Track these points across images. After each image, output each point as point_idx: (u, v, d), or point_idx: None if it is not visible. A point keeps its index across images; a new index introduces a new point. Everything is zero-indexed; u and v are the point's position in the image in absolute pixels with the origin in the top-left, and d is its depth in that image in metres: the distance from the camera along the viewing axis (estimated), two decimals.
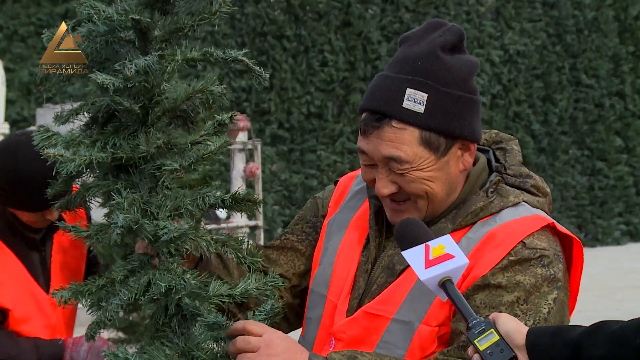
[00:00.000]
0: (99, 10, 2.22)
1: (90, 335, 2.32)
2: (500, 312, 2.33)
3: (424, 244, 2.24)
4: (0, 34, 14.77)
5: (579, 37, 21.18)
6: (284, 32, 17.63)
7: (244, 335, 2.33)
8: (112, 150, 2.24)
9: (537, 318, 2.38)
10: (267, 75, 2.32)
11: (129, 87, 2.21)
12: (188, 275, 2.27)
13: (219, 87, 2.27)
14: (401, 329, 2.44)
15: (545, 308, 2.39)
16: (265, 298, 2.36)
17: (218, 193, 2.30)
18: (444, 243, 2.24)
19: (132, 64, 2.18)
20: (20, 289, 3.83)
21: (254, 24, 17.35)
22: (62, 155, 2.20)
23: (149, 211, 2.25)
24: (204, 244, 2.31)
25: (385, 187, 2.47)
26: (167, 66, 2.25)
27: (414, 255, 2.23)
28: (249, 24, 17.33)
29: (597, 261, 17.36)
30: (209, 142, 2.30)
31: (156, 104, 2.27)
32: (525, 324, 2.32)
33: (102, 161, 2.23)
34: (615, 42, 21.68)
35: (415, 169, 2.45)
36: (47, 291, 3.86)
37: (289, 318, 2.71)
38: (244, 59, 2.30)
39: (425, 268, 2.21)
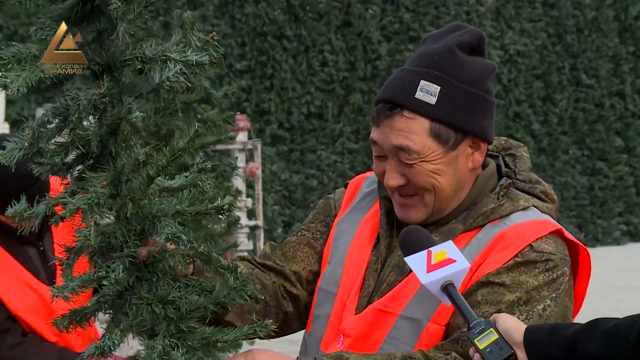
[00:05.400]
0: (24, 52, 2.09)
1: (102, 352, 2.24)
2: (500, 309, 2.38)
3: (426, 250, 2.28)
4: (0, 34, 14.78)
5: (579, 37, 21.19)
6: (284, 32, 17.64)
7: None
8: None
9: (533, 315, 2.41)
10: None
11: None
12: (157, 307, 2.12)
13: (139, 114, 2.08)
14: (409, 326, 2.45)
15: (541, 305, 2.42)
16: (239, 302, 2.21)
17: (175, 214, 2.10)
18: (445, 248, 2.28)
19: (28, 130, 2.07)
20: (16, 283, 3.82)
21: (254, 24, 17.36)
22: None
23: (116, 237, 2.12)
24: (173, 263, 2.16)
25: (393, 179, 2.48)
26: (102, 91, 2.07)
27: (416, 261, 2.27)
28: (249, 24, 17.34)
29: (597, 261, 17.26)
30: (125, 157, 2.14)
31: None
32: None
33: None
34: (615, 42, 21.68)
35: (423, 160, 2.46)
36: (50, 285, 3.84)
37: (302, 315, 2.70)
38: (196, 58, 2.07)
39: (427, 272, 2.25)
